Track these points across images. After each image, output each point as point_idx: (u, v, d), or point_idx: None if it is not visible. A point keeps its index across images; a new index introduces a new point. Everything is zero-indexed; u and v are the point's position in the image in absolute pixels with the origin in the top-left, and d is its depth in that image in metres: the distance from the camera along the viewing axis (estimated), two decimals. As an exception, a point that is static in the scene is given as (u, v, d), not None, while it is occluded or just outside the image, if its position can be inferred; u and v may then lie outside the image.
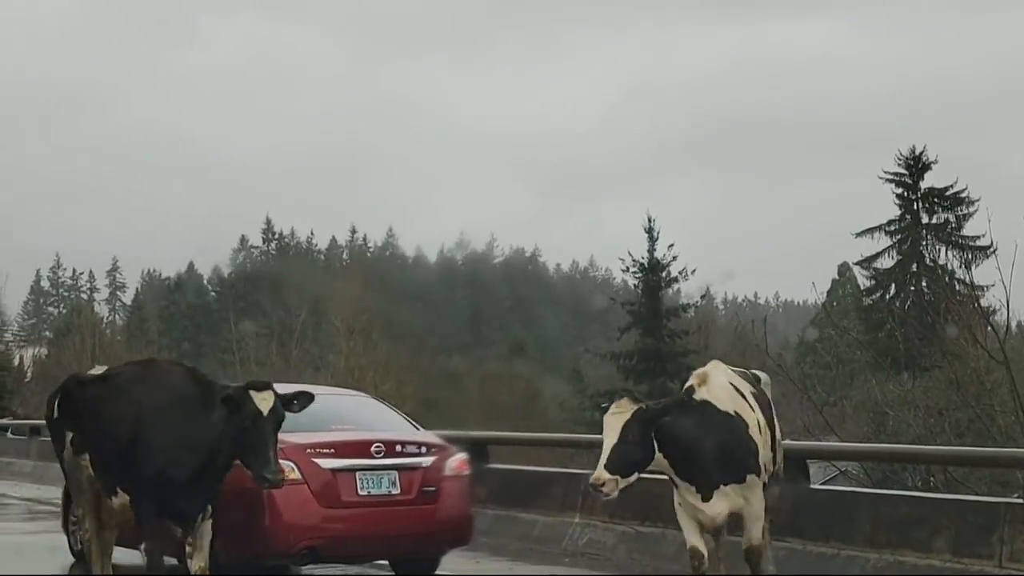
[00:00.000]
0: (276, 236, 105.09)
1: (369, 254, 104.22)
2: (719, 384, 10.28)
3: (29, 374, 58.14)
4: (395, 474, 11.98)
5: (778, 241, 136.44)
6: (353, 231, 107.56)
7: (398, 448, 12.10)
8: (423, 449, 12.37)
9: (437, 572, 12.87)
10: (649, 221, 53.28)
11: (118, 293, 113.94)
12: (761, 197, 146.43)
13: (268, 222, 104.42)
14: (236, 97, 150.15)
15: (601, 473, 9.62)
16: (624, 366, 52.27)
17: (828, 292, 60.86)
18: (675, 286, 54.20)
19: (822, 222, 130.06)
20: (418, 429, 13.26)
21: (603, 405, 10.08)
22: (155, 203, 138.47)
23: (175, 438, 10.32)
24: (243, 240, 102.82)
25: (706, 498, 9.97)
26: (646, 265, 52.95)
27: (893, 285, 52.80)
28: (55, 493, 18.15)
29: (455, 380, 60.30)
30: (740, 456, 10.02)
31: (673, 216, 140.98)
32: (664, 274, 53.07)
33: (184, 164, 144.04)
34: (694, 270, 54.52)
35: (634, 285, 55.59)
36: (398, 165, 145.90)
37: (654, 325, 52.21)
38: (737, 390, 10.34)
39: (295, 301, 68.91)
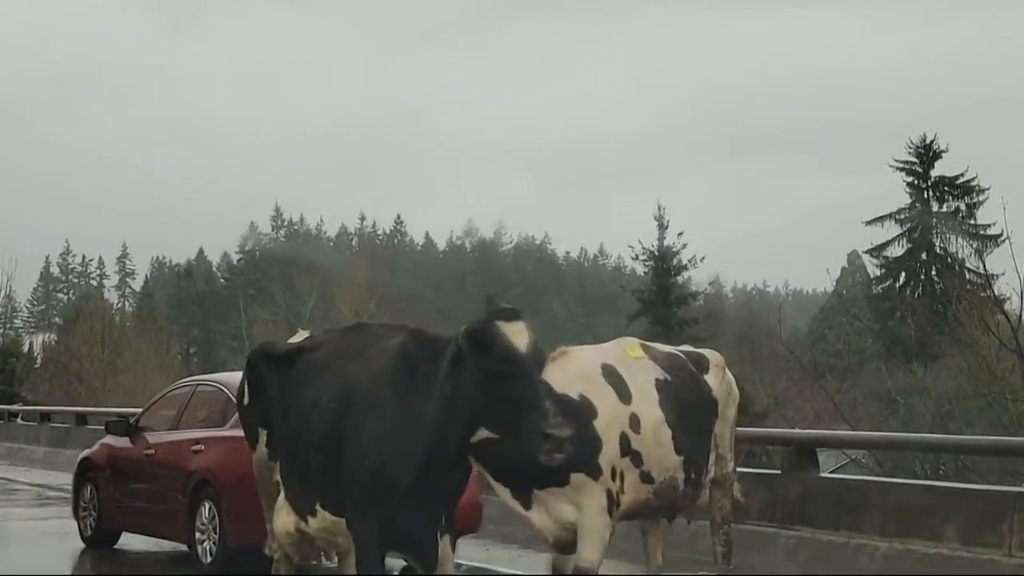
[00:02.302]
0: (285, 223, 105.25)
1: (378, 241, 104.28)
2: (574, 362, 8.46)
3: (39, 360, 58.20)
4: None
5: (788, 229, 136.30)
6: (362, 218, 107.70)
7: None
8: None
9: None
10: (659, 209, 53.27)
11: (128, 280, 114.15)
12: (771, 186, 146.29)
13: (277, 209, 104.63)
14: (248, 85, 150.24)
15: None
16: (633, 354, 52.17)
17: (838, 280, 60.81)
18: (684, 274, 54.15)
19: (832, 211, 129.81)
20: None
21: None
22: (165, 190, 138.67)
23: (393, 427, 7.53)
24: (252, 227, 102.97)
25: (525, 505, 8.16)
26: (656, 253, 52.91)
27: (903, 273, 52.69)
28: (65, 479, 18.20)
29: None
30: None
31: (683, 204, 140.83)
32: (674, 262, 53.04)
33: (194, 151, 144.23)
34: (703, 258, 54.51)
35: (644, 272, 55.57)
36: (408, 153, 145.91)
37: (663, 313, 52.16)
38: (610, 373, 8.48)
39: (304, 287, 69.00)
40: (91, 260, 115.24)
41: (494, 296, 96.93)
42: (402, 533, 7.56)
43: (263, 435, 8.57)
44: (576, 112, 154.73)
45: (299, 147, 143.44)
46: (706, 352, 9.62)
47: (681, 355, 9.24)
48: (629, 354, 8.76)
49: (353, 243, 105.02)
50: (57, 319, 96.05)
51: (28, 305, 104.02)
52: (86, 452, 15.04)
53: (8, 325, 66.99)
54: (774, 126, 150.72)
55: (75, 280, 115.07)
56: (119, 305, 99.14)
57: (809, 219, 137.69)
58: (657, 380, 8.72)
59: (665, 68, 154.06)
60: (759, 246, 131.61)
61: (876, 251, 53.72)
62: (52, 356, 58.77)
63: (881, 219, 53.10)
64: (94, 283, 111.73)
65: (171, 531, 13.09)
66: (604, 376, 8.45)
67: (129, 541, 14.26)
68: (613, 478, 8.19)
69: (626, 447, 8.30)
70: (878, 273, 54.93)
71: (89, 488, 14.46)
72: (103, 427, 15.43)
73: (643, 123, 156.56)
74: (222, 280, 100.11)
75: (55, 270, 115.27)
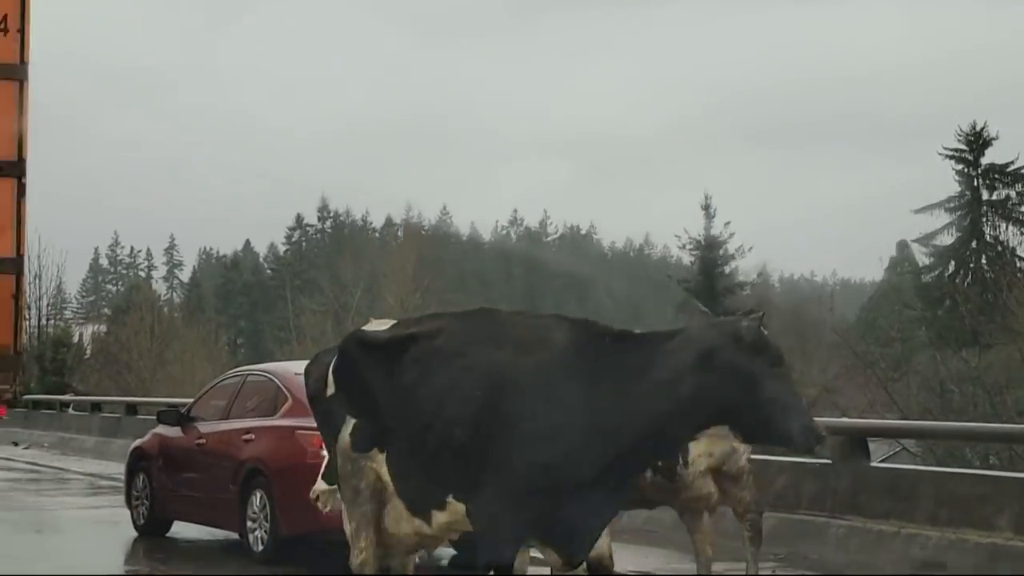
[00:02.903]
0: (331, 214, 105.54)
1: (424, 232, 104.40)
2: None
3: (88, 351, 58.69)
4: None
5: (835, 219, 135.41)
6: (408, 209, 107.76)
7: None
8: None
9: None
10: (706, 198, 53.10)
11: (175, 271, 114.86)
12: (818, 175, 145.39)
13: (324, 200, 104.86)
14: (293, 78, 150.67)
15: (318, 486, 8.57)
16: (680, 344, 52.05)
17: (886, 269, 60.45)
18: (731, 263, 53.93)
19: (879, 200, 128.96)
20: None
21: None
22: (211, 182, 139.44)
23: (574, 421, 6.93)
24: (299, 219, 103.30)
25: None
26: (703, 242, 52.74)
27: (952, 262, 52.31)
28: (116, 468, 18.37)
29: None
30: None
31: (729, 194, 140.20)
32: (721, 251, 52.86)
33: (241, 143, 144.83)
34: (751, 247, 54.26)
35: (690, 262, 55.40)
36: (452, 144, 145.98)
37: (710, 303, 51.99)
38: None
39: (350, 279, 69.19)
40: (139, 251, 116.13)
41: (538, 286, 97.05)
42: (560, 527, 7.00)
43: (350, 424, 7.73)
44: (618, 101, 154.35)
45: (345, 140, 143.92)
46: None
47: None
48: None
49: (399, 234, 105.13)
50: (106, 310, 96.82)
51: (78, 297, 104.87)
52: (138, 441, 15.15)
53: (58, 316, 67.64)
54: (821, 115, 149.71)
55: (123, 271, 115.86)
56: (167, 296, 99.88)
57: (856, 208, 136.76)
58: None
59: (708, 56, 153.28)
60: (806, 235, 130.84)
61: (925, 240, 53.39)
62: (102, 347, 59.23)
63: (930, 207, 52.75)
64: (142, 274, 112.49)
65: (222, 520, 13.18)
66: None
67: (181, 530, 14.35)
68: None
69: None
70: (927, 262, 54.58)
71: (141, 477, 14.57)
72: (153, 417, 15.54)
73: (687, 111, 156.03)
74: (269, 271, 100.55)
75: (104, 262, 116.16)
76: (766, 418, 6.75)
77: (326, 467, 8.24)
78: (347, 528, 7.82)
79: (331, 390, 7.86)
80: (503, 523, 6.98)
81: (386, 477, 7.56)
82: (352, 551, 7.70)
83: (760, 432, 6.94)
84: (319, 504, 8.44)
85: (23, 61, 11.28)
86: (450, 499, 7.25)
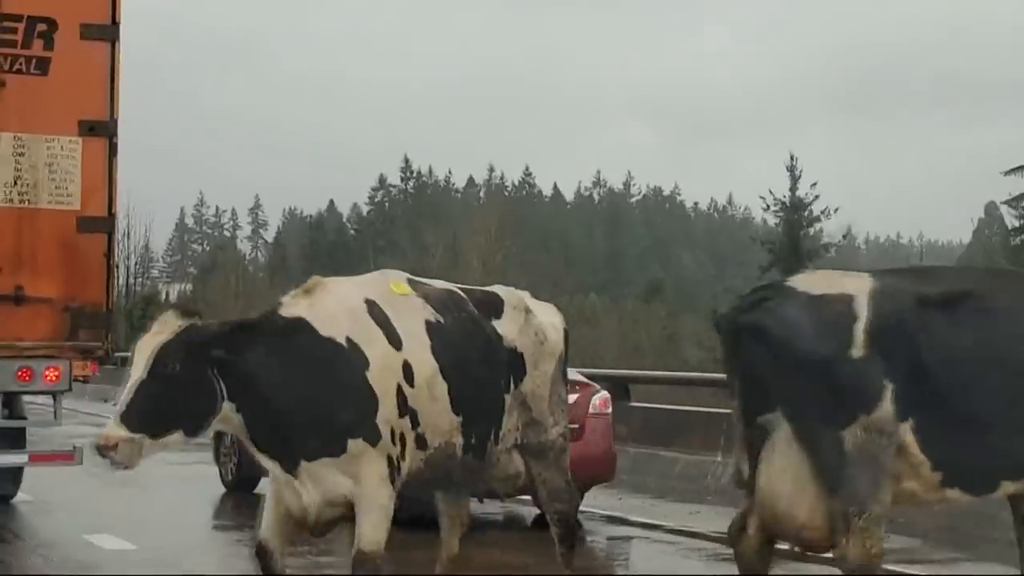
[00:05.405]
0: (414, 174, 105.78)
1: (506, 193, 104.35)
2: (337, 298, 7.05)
3: (175, 310, 59.35)
4: (539, 411, 11.93)
5: (921, 181, 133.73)
6: (491, 169, 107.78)
7: (543, 385, 12.03)
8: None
9: (580, 508, 12.92)
10: (791, 159, 52.62)
11: (259, 231, 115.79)
12: (904, 137, 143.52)
13: (406, 160, 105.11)
14: (377, 39, 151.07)
15: (113, 430, 6.33)
16: (764, 306, 51.77)
17: (974, 232, 59.58)
18: (816, 225, 53.41)
19: (967, 162, 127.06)
20: (561, 366, 13.23)
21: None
22: (295, 141, 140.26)
23: None
24: (381, 179, 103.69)
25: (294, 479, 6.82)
26: (787, 204, 52.27)
27: (1042, 224, 51.43)
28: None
29: (592, 319, 60.26)
30: (334, 411, 6.74)
31: (814, 156, 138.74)
32: (805, 213, 52.36)
33: (324, 103, 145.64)
34: (836, 209, 53.70)
35: (775, 224, 54.95)
36: (535, 106, 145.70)
37: (794, 265, 51.57)
38: (375, 312, 7.05)
39: (432, 239, 69.40)
40: (224, 211, 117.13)
41: (621, 248, 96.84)
42: None
43: (887, 390, 6.46)
44: (702, 63, 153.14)
45: (428, 100, 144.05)
46: (502, 291, 7.94)
47: (460, 293, 7.66)
48: (393, 290, 7.31)
49: (481, 195, 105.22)
50: (192, 269, 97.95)
51: (164, 256, 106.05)
52: (226, 399, 15.25)
53: (144, 275, 68.52)
54: (906, 77, 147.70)
55: (209, 231, 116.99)
56: (251, 255, 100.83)
57: (943, 170, 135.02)
58: (428, 322, 7.19)
59: (793, 19, 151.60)
60: (892, 198, 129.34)
61: (1015, 202, 52.48)
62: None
63: (1020, 169, 51.81)
64: (227, 234, 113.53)
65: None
66: (371, 315, 7.02)
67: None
68: (393, 442, 6.87)
69: (403, 404, 6.94)
70: (1016, 224, 53.70)
71: (229, 434, 14.72)
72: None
73: (772, 74, 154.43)
74: (352, 232, 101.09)
75: (189, 221, 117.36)
76: None
77: (128, 402, 6.39)
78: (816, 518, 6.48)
79: (858, 350, 6.50)
80: None
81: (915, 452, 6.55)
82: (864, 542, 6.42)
83: None
84: (114, 456, 6.33)
85: (115, 21, 11.35)
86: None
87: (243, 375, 6.59)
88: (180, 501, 14.45)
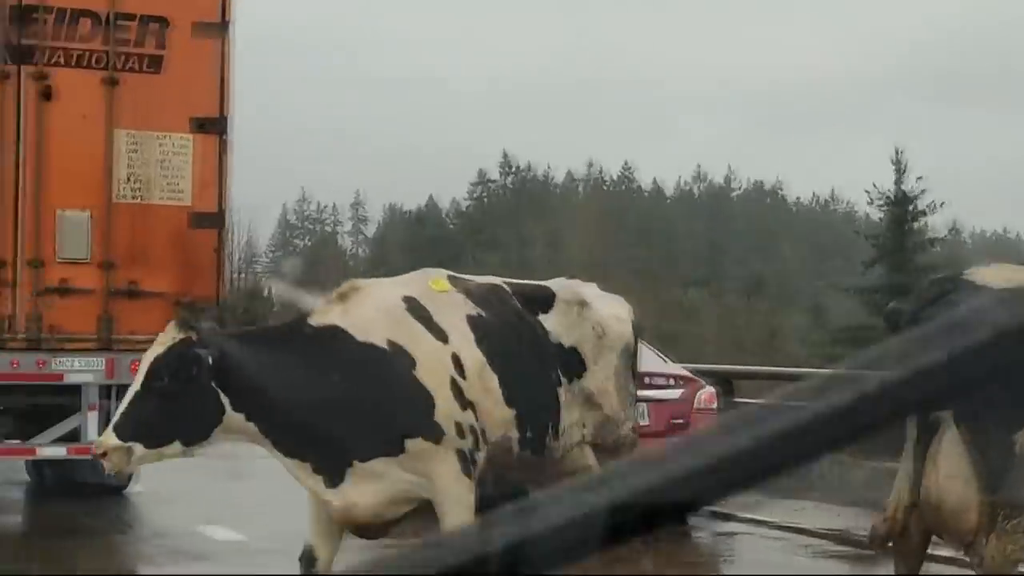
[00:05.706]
0: (513, 170, 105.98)
1: (605, 187, 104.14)
2: (374, 301, 7.06)
3: (276, 305, 60.09)
4: (645, 406, 11.97)
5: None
6: (590, 164, 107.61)
7: (647, 380, 12.07)
8: (672, 381, 12.38)
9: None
10: (897, 153, 51.88)
11: (360, 226, 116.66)
12: (1013, 130, 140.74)
13: (505, 156, 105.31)
14: (475, 35, 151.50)
15: (105, 439, 6.51)
16: (869, 301, 51.17)
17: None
18: (922, 219, 52.62)
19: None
20: (666, 362, 13.25)
21: None
22: (396, 138, 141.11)
23: None
24: (481, 174, 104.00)
25: (331, 482, 6.82)
26: (893, 198, 51.57)
27: None
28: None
29: (693, 314, 60.00)
30: (388, 412, 6.80)
31: (919, 149, 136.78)
32: (911, 207, 51.63)
33: (423, 100, 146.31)
34: (943, 203, 52.87)
35: (879, 218, 54.26)
36: (634, 99, 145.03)
37: (900, 259, 50.89)
38: (415, 308, 7.08)
39: (531, 234, 69.51)
40: (326, 207, 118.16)
41: (722, 242, 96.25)
42: None
43: None
44: (805, 54, 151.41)
45: (526, 95, 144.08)
46: (555, 285, 7.93)
47: (505, 288, 7.65)
48: (432, 287, 7.35)
49: (580, 189, 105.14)
50: (289, 265, 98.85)
51: (267, 252, 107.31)
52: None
53: (248, 270, 69.35)
54: (1015, 69, 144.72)
55: (311, 227, 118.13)
56: (353, 251, 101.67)
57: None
58: (469, 316, 7.21)
59: (899, 7, 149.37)
60: (999, 191, 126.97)
61: None
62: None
63: None
64: (328, 229, 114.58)
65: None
66: (411, 313, 7.06)
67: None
68: (462, 436, 6.88)
69: (460, 396, 6.94)
70: None
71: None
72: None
73: (877, 64, 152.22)
74: (451, 226, 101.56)
75: (292, 217, 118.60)
76: None
77: (123, 411, 6.58)
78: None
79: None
80: None
81: None
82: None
83: None
84: (108, 464, 6.54)
85: (225, 20, 11.53)
86: None
87: (247, 385, 6.61)
88: (291, 492, 14.58)
